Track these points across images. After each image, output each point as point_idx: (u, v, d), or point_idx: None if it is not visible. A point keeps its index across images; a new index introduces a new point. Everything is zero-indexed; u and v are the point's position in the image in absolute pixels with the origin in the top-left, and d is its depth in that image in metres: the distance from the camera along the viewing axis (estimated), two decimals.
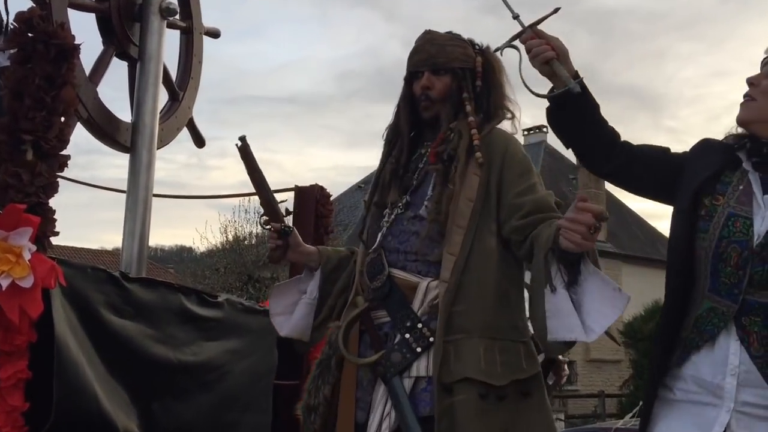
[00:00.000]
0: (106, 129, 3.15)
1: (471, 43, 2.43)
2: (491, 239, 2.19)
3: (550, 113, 2.11)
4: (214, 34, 3.88)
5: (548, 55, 2.06)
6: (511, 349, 2.15)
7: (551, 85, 2.10)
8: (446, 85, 2.35)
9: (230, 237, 21.58)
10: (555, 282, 1.97)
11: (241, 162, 2.43)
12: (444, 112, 2.35)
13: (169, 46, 3.47)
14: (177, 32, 3.72)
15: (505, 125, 2.38)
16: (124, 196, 3.25)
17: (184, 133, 3.72)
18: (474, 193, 2.21)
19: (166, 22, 3.39)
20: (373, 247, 2.33)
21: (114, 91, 3.47)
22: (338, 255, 2.52)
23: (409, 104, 2.39)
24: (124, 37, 3.30)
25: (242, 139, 2.40)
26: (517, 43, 2.13)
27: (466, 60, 2.39)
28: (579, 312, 1.93)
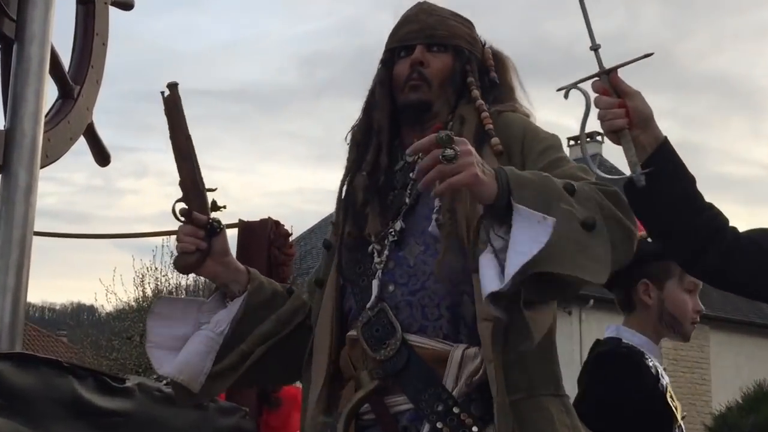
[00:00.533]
0: None
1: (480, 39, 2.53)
2: None
3: (625, 194, 2.21)
4: (125, 4, 3.89)
5: (617, 125, 2.19)
6: (570, 407, 2.30)
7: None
8: (446, 65, 2.44)
9: (149, 291, 21.53)
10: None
11: (167, 120, 2.45)
12: (440, 99, 2.42)
13: (61, 21, 3.48)
14: (72, 2, 3.74)
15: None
16: None
17: (83, 143, 3.71)
18: None
19: None
20: (369, 302, 2.32)
21: None
22: (273, 288, 2.52)
23: (389, 92, 2.46)
24: None
25: (172, 86, 2.42)
26: (586, 85, 2.23)
27: (472, 43, 2.49)
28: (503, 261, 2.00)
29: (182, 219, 2.45)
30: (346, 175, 2.51)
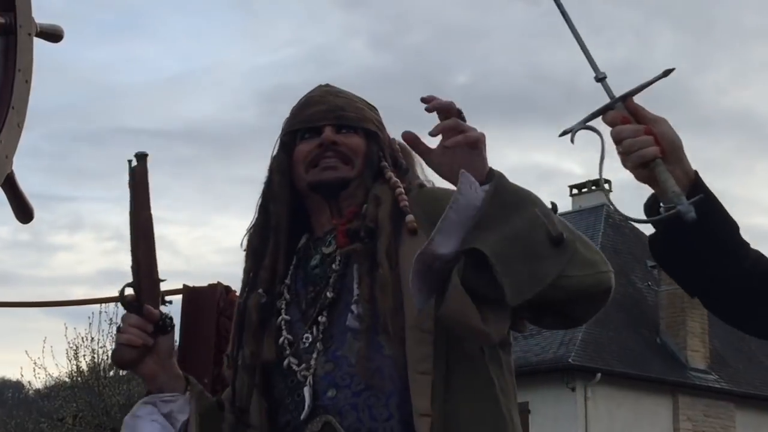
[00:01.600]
0: None
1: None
2: (463, 340, 2.33)
3: (655, 242, 2.13)
4: (53, 34, 3.87)
5: (649, 154, 2.04)
6: None
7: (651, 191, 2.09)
8: (361, 146, 2.56)
9: (84, 365, 21.42)
10: None
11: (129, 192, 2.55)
12: (358, 179, 2.52)
13: None
14: None
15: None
16: None
17: (1, 197, 3.69)
18: None
19: None
20: (303, 414, 2.37)
21: None
22: (209, 399, 2.60)
23: (289, 181, 2.55)
24: None
25: (141, 157, 2.50)
26: (598, 122, 2.11)
27: (380, 129, 2.63)
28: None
29: (128, 305, 2.49)
30: (243, 290, 2.57)
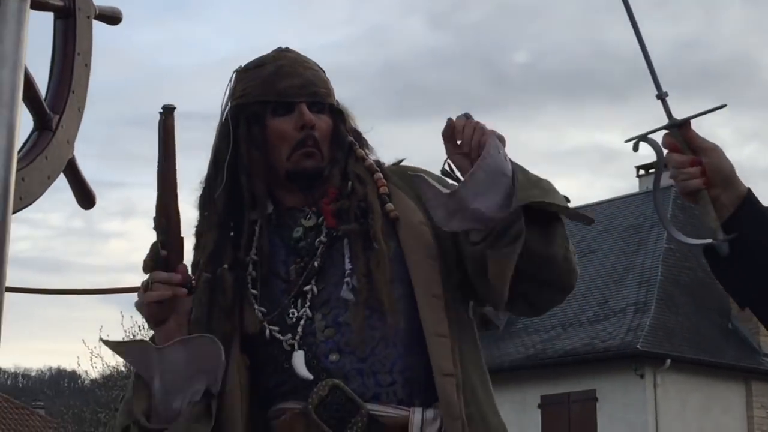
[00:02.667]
0: None
1: None
2: (462, 308, 2.59)
3: (707, 258, 2.26)
4: (111, 17, 3.91)
5: (692, 186, 2.22)
6: None
7: None
8: (329, 126, 2.63)
9: None
10: None
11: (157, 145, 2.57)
12: (330, 163, 2.61)
13: (36, 39, 3.51)
14: (49, 16, 3.77)
15: None
16: None
17: (62, 181, 3.72)
18: (434, 249, 2.52)
19: (29, 0, 3.44)
20: (302, 374, 2.47)
21: None
22: None
23: (265, 155, 2.60)
24: None
25: (169, 110, 2.54)
26: (657, 136, 2.27)
27: (334, 96, 2.69)
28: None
29: (159, 265, 2.51)
30: (209, 261, 2.60)
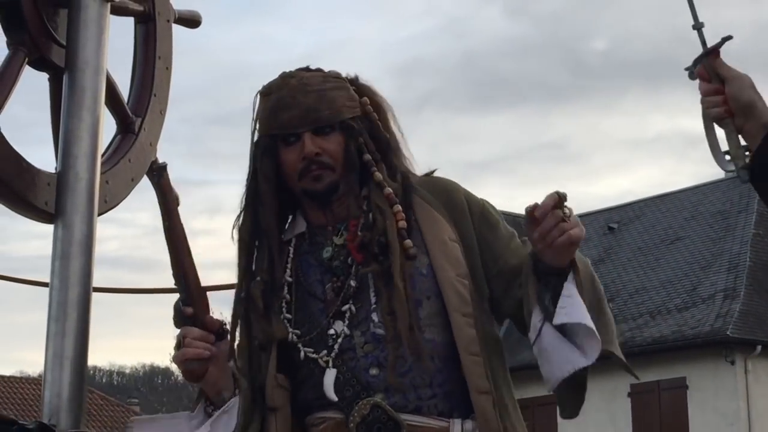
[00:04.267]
0: (14, 185, 3.14)
1: (346, 78, 2.75)
2: (491, 325, 2.66)
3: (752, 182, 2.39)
4: (191, 20, 3.93)
5: (713, 114, 2.36)
6: None
7: None
8: (340, 146, 2.66)
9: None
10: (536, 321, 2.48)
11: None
12: (345, 179, 2.66)
13: (117, 44, 3.54)
14: (130, 21, 3.80)
15: None
16: (46, 290, 3.24)
17: (147, 180, 3.75)
18: (463, 266, 2.60)
19: (110, 5, 3.46)
20: (334, 396, 2.53)
21: (27, 122, 3.54)
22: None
23: (275, 187, 2.67)
24: (41, 33, 3.32)
25: (161, 169, 2.60)
26: None
27: (353, 106, 2.71)
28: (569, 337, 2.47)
29: (187, 322, 2.60)
30: (241, 283, 2.68)
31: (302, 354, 2.60)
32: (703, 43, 2.37)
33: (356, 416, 2.50)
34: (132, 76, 3.78)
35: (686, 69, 2.41)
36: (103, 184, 3.38)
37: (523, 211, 2.46)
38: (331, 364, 2.56)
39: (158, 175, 2.52)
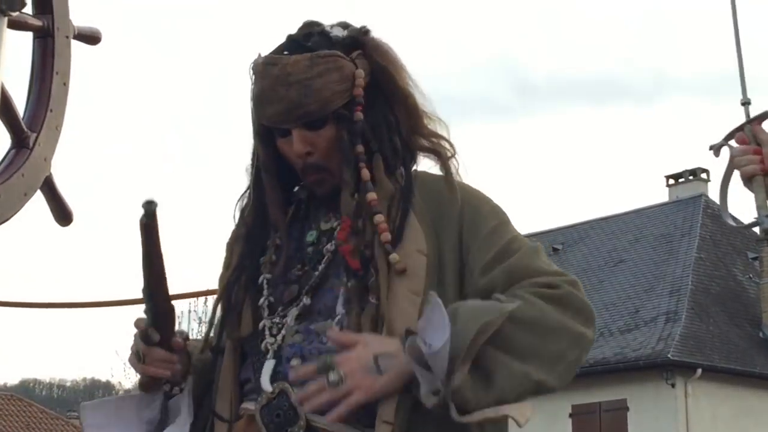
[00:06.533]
0: None
1: (340, 40, 2.54)
2: None
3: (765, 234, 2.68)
4: (91, 37, 3.93)
5: (747, 171, 2.65)
6: None
7: None
8: (332, 138, 2.51)
9: None
10: None
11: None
12: (342, 173, 2.50)
13: (13, 59, 3.53)
14: (27, 36, 3.79)
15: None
16: None
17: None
18: (421, 283, 2.38)
19: (6, 19, 3.46)
20: (269, 387, 2.41)
21: None
22: (202, 352, 2.65)
23: (277, 178, 2.58)
24: None
25: (150, 209, 2.39)
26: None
27: (346, 88, 2.49)
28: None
29: (150, 342, 2.51)
30: (234, 271, 2.60)
31: (261, 324, 2.51)
32: (747, 114, 2.71)
33: (263, 398, 2.41)
34: (29, 91, 3.78)
35: (711, 147, 2.77)
36: None
37: None
38: (272, 356, 2.46)
39: (150, 213, 2.39)
